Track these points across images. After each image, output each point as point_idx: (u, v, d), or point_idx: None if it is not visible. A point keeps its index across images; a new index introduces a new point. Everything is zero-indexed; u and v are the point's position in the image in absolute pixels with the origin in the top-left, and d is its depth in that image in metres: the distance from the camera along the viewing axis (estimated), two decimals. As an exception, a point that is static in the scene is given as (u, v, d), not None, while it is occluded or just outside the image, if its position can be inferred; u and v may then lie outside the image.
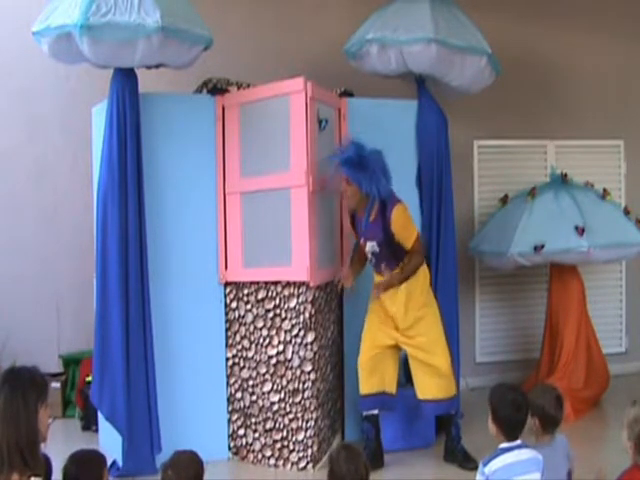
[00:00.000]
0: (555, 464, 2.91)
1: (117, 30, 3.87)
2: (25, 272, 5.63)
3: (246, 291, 4.51)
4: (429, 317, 4.29)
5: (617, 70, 6.40)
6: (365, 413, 4.35)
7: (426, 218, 4.81)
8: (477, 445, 4.33)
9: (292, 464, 4.36)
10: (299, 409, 4.31)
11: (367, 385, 4.29)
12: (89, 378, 4.89)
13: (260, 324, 4.45)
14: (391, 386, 4.32)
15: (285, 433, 4.37)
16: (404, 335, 4.24)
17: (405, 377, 4.52)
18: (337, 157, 4.21)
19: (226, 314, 4.58)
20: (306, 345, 4.29)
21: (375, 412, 4.34)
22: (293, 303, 4.32)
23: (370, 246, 4.25)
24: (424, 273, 4.34)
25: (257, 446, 4.49)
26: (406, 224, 4.19)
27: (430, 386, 4.23)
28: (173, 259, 4.46)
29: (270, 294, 4.42)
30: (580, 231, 5.06)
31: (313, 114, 4.27)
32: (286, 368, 4.36)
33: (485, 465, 2.76)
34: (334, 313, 4.66)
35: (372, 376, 4.28)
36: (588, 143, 6.33)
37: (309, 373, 4.29)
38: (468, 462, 4.24)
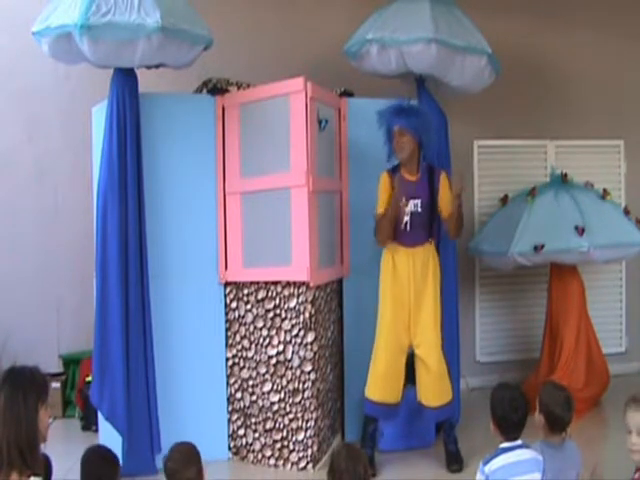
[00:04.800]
0: (560, 467, 2.90)
1: (117, 30, 3.87)
2: (25, 272, 5.62)
3: (246, 291, 4.51)
4: (437, 307, 4.28)
5: (617, 70, 6.40)
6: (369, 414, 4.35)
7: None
8: (477, 445, 4.35)
9: (292, 464, 4.36)
10: (299, 409, 4.32)
11: (378, 392, 4.24)
12: (89, 378, 4.89)
13: (260, 324, 4.46)
14: (399, 396, 4.29)
15: (285, 433, 4.38)
16: (415, 320, 4.20)
17: (406, 377, 4.51)
18: (390, 108, 4.22)
19: (226, 314, 4.58)
20: (306, 345, 4.29)
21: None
22: (293, 303, 4.32)
23: (413, 205, 4.18)
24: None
25: (257, 446, 4.50)
26: (450, 191, 4.20)
27: (434, 394, 4.23)
28: (173, 259, 4.46)
29: (270, 294, 4.42)
30: (580, 231, 5.06)
31: (313, 114, 4.27)
32: (286, 368, 4.36)
33: (485, 464, 2.77)
34: (334, 313, 4.66)
35: (385, 385, 4.22)
36: (588, 143, 6.33)
37: (309, 373, 4.29)
38: (452, 464, 4.24)
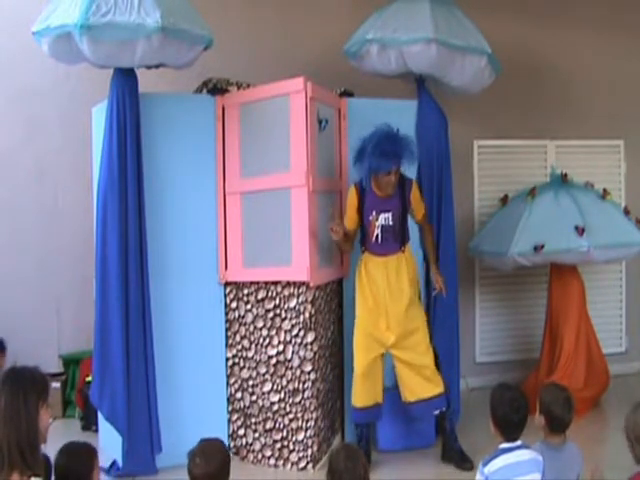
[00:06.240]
0: (561, 469, 2.89)
1: (117, 30, 3.87)
2: (25, 272, 5.62)
3: (246, 291, 4.51)
4: (418, 309, 4.34)
5: (617, 70, 6.40)
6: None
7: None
8: (477, 445, 4.34)
9: (292, 464, 4.36)
10: (299, 409, 4.32)
11: (361, 398, 4.27)
12: (89, 378, 4.89)
13: (260, 324, 4.46)
14: (380, 395, 4.33)
15: (285, 433, 4.38)
16: (394, 332, 4.22)
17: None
18: (379, 150, 4.07)
19: (226, 314, 4.58)
20: (306, 345, 4.29)
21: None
22: (293, 303, 4.32)
23: (383, 219, 4.25)
24: (415, 260, 4.43)
25: (257, 446, 4.50)
26: (420, 197, 4.43)
27: (419, 387, 4.25)
28: (173, 259, 4.46)
29: (270, 294, 4.42)
30: (580, 231, 5.05)
31: (313, 114, 4.27)
32: (286, 368, 4.36)
33: (485, 465, 2.76)
34: (334, 313, 4.66)
35: (366, 388, 4.26)
36: (588, 143, 6.33)
37: (309, 373, 4.29)
38: (464, 462, 4.26)
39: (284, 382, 4.37)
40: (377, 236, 4.28)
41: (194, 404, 4.45)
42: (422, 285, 4.60)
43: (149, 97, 4.39)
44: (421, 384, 4.25)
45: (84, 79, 5.42)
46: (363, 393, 4.27)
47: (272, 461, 4.44)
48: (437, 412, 4.34)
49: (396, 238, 4.29)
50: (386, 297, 4.25)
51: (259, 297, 4.46)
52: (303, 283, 4.27)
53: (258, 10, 5.82)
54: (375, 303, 4.26)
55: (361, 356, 4.26)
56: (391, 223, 4.27)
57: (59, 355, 5.56)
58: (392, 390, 4.44)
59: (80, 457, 2.69)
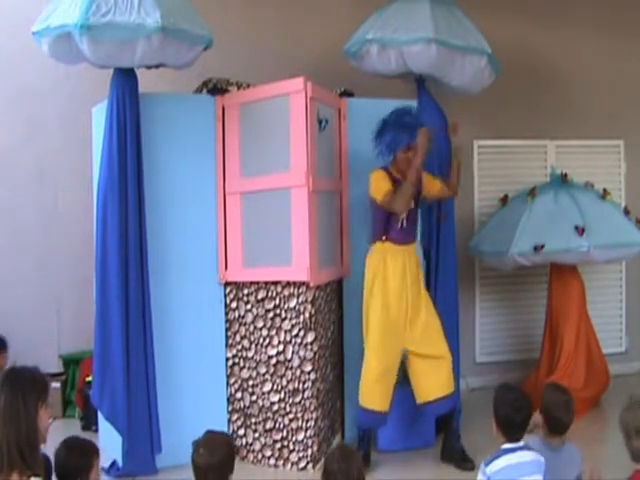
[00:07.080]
0: (560, 468, 2.89)
1: (117, 30, 3.87)
2: (25, 272, 5.62)
3: (246, 291, 4.51)
4: (430, 299, 4.38)
5: (617, 70, 6.40)
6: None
7: (426, 218, 4.80)
8: (477, 445, 4.34)
9: (292, 464, 4.36)
10: (299, 409, 4.32)
11: (376, 400, 4.19)
12: (89, 378, 4.89)
13: (260, 324, 4.46)
14: (388, 404, 4.26)
15: (285, 433, 4.38)
16: (416, 316, 4.23)
17: (404, 376, 4.51)
18: (402, 123, 4.19)
19: (226, 314, 4.58)
20: (306, 345, 4.29)
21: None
22: (293, 303, 4.32)
23: None
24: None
25: (257, 446, 4.50)
26: (429, 174, 4.47)
27: (435, 386, 4.23)
28: (173, 259, 4.46)
29: (270, 294, 4.42)
30: (580, 231, 5.06)
31: (313, 114, 4.27)
32: (286, 368, 4.36)
33: (487, 465, 2.77)
34: (334, 313, 4.66)
35: (380, 387, 4.19)
36: (588, 143, 6.33)
37: (309, 373, 4.29)
38: (465, 462, 4.25)
39: (284, 382, 4.37)
40: (403, 221, 4.23)
41: (194, 404, 4.44)
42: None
43: (149, 97, 4.39)
44: (437, 384, 4.22)
45: (84, 79, 5.42)
46: (378, 395, 4.19)
47: (272, 461, 4.44)
48: (449, 409, 4.31)
49: (415, 223, 4.34)
50: (407, 287, 4.21)
51: (259, 297, 4.46)
52: (303, 283, 4.27)
53: (258, 10, 5.82)
54: (397, 297, 4.20)
55: (379, 357, 4.18)
56: (413, 206, 4.26)
57: (59, 355, 5.57)
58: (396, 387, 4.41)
59: (81, 453, 2.70)
